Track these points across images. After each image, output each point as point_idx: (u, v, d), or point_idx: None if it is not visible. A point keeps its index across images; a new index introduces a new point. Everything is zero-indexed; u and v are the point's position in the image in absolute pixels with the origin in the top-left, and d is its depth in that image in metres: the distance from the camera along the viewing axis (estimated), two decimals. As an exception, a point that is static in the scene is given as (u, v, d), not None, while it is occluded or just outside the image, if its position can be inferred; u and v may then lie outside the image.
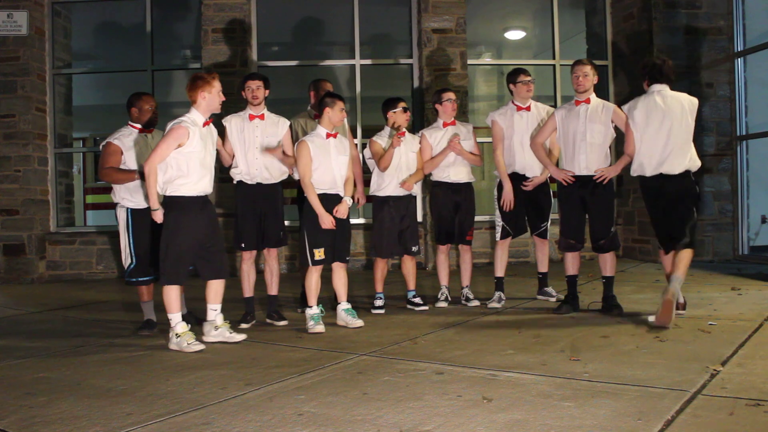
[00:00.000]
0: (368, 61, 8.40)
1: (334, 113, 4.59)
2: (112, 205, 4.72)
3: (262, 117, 4.80)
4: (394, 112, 5.13)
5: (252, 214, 4.77)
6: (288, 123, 4.94)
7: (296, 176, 4.79)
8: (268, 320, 4.87)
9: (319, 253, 4.55)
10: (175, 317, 4.11)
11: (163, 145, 4.02)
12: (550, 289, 5.42)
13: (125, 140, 4.62)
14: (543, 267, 5.45)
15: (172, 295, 4.12)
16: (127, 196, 4.61)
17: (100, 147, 4.70)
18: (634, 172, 4.60)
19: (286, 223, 5.09)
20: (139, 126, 4.68)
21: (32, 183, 7.84)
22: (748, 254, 7.58)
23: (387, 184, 5.11)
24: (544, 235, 5.37)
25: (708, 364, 3.27)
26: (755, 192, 7.67)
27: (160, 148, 4.02)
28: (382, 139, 5.17)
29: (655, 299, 5.27)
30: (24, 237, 7.76)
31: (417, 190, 5.25)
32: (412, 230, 5.20)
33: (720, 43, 7.73)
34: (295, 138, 5.05)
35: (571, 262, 4.89)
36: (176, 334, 4.07)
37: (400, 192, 5.11)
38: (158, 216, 4.08)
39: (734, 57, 7.67)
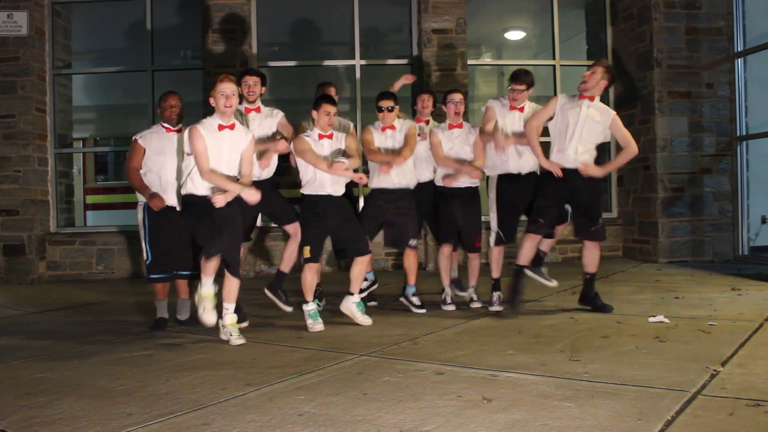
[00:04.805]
0: (368, 61, 8.40)
1: (318, 116, 4.62)
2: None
3: (258, 110, 4.86)
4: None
5: (251, 211, 4.75)
6: (281, 113, 4.97)
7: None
8: (267, 291, 4.90)
9: (306, 251, 4.59)
10: (228, 307, 4.24)
11: (195, 153, 4.14)
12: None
13: (151, 138, 4.62)
14: (524, 260, 5.09)
15: (233, 285, 4.25)
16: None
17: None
18: None
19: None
20: (167, 125, 4.67)
21: (32, 183, 7.84)
22: (748, 254, 7.58)
23: (376, 177, 4.99)
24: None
25: (708, 365, 3.27)
26: (755, 192, 7.67)
27: (197, 157, 4.13)
28: (376, 129, 5.06)
29: (654, 299, 5.28)
30: (24, 237, 7.76)
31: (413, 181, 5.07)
32: (412, 222, 5.06)
33: (720, 43, 7.73)
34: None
35: (528, 249, 4.85)
36: (222, 325, 4.22)
37: (389, 185, 4.96)
38: (251, 195, 4.18)
39: (734, 57, 7.67)
